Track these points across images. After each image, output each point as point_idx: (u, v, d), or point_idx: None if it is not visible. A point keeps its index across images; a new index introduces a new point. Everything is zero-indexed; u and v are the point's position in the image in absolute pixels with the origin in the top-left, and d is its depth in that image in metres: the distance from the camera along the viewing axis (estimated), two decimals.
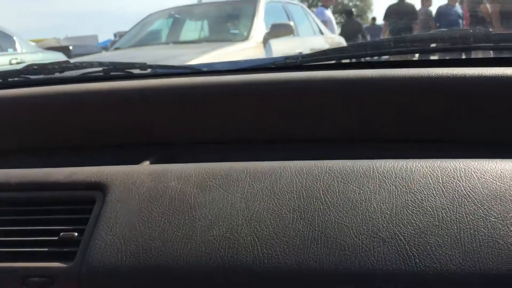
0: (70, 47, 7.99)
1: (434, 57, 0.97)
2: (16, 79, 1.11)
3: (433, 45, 0.94)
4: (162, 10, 4.98)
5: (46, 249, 0.61)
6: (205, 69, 1.07)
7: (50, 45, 8.91)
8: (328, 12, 6.69)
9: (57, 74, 1.10)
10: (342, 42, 5.71)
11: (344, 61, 0.99)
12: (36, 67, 1.13)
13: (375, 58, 0.98)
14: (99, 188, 0.66)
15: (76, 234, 0.62)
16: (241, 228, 0.57)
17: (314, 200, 0.58)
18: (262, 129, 0.86)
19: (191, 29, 4.89)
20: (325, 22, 6.31)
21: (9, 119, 0.93)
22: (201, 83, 0.88)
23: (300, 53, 4.45)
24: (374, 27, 9.05)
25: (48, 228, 0.64)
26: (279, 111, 0.84)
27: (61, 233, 0.62)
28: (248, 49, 3.84)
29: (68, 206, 0.66)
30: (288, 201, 0.58)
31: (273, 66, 1.04)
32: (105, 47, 9.62)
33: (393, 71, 0.79)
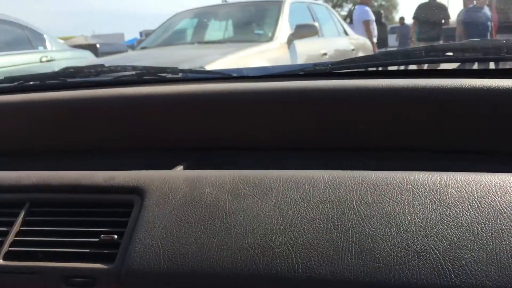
0: (97, 45, 8.15)
1: (466, 67, 0.96)
2: (53, 81, 1.14)
3: (465, 54, 0.93)
4: (187, 10, 5.03)
5: (87, 250, 0.64)
6: (234, 75, 1.09)
7: (78, 42, 9.09)
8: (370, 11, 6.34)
9: (92, 77, 1.14)
10: (367, 43, 5.67)
11: (373, 69, 0.99)
12: (72, 70, 1.16)
13: (405, 66, 0.98)
14: (137, 192, 0.68)
15: (115, 236, 0.64)
16: (275, 237, 0.58)
17: (348, 211, 0.59)
18: (290, 136, 0.87)
19: (216, 29, 4.92)
20: (368, 21, 6.08)
21: (46, 120, 0.96)
22: (231, 89, 0.89)
23: (325, 54, 4.44)
24: (403, 27, 8.93)
25: (89, 229, 0.66)
26: (308, 119, 0.85)
27: (102, 235, 0.65)
28: (272, 50, 3.85)
29: (107, 209, 0.69)
30: (322, 211, 0.60)
31: (302, 72, 1.06)
32: (131, 45, 9.76)
33: (425, 81, 0.80)
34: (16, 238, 0.67)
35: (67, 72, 1.16)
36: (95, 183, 0.71)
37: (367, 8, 6.32)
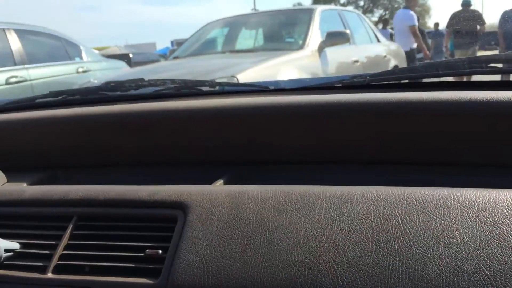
0: (130, 55, 8.35)
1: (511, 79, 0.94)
2: (96, 96, 1.18)
3: (510, 65, 0.91)
4: (218, 19, 5.09)
5: (133, 265, 0.65)
6: (272, 87, 1.10)
7: (112, 52, 9.34)
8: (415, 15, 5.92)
9: (132, 91, 1.17)
10: (399, 50, 5.59)
11: (413, 80, 0.98)
12: (113, 84, 1.20)
13: (446, 78, 0.96)
14: (180, 207, 0.69)
15: (160, 251, 0.65)
16: (320, 254, 0.58)
17: (393, 229, 0.58)
18: (331, 149, 0.86)
19: (247, 38, 4.96)
20: (415, 26, 5.77)
21: (89, 134, 0.99)
22: (269, 103, 0.90)
23: (356, 61, 4.41)
24: (436, 33, 8.81)
25: (134, 244, 0.67)
26: (348, 132, 0.84)
27: (147, 250, 0.66)
28: (303, 58, 3.85)
29: (151, 224, 0.70)
30: (366, 228, 0.59)
31: (340, 84, 1.05)
32: (163, 54, 9.96)
33: (468, 94, 0.78)
34: (64, 252, 0.69)
35: (108, 86, 1.19)
36: (139, 198, 0.72)
37: (412, 13, 5.86)
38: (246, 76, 3.20)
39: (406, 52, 5.83)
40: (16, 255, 0.68)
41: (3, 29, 4.41)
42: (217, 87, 1.15)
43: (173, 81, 1.16)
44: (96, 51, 6.89)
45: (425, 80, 0.97)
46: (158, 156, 0.96)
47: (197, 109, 0.94)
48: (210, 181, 0.84)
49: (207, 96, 1.14)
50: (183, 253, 0.63)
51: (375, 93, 0.87)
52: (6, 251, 0.66)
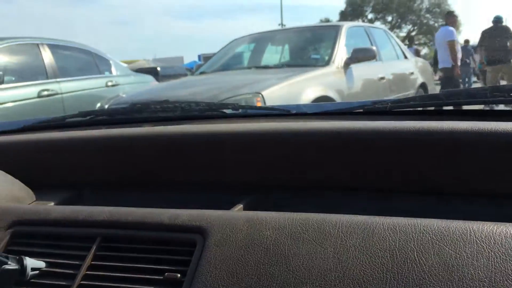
0: (158, 69, 8.52)
1: None
2: (122, 116, 1.22)
3: None
4: (244, 35, 5.16)
5: None
6: (293, 111, 1.12)
7: (140, 66, 9.56)
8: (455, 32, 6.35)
9: (158, 113, 1.20)
10: (427, 66, 5.54)
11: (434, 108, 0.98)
12: (140, 105, 1.24)
13: (469, 107, 0.96)
14: (199, 231, 0.71)
15: (179, 275, 0.67)
16: (334, 285, 0.59)
17: (408, 261, 0.58)
18: (349, 177, 0.87)
19: (273, 54, 5.01)
20: (454, 41, 6.08)
21: (114, 154, 1.02)
22: (289, 128, 0.91)
23: (382, 78, 4.39)
24: (466, 49, 8.74)
25: (154, 267, 0.70)
26: (367, 161, 0.85)
27: (166, 273, 0.68)
28: (329, 74, 3.87)
29: (171, 247, 0.72)
30: (382, 260, 0.60)
31: (361, 110, 1.06)
32: (190, 68, 10.14)
33: (491, 124, 0.78)
34: (87, 272, 0.71)
35: (135, 108, 1.23)
36: (161, 221, 0.74)
37: (451, 29, 6.33)
38: (272, 92, 3.23)
39: (447, 69, 6.07)
40: (42, 273, 0.71)
41: (37, 44, 4.59)
42: (240, 110, 1.18)
43: (197, 103, 1.19)
44: (125, 65, 7.06)
45: (446, 108, 0.97)
46: (181, 178, 0.99)
47: (220, 133, 0.96)
48: (230, 205, 0.86)
49: (230, 119, 1.16)
50: (201, 278, 0.65)
51: (396, 121, 0.87)
52: (33, 269, 0.69)
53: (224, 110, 1.18)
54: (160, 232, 0.74)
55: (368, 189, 0.86)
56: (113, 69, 5.58)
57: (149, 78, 6.16)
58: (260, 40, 4.97)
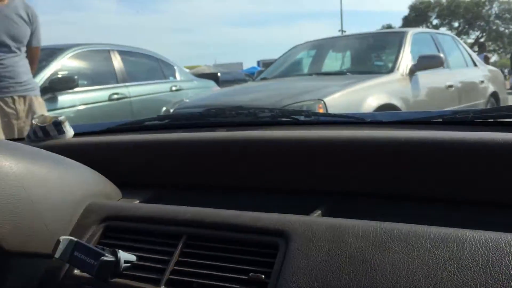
0: (219, 74, 8.68)
1: None
2: (198, 121, 1.27)
3: None
4: (305, 42, 5.16)
5: (237, 287, 0.69)
6: (368, 120, 1.11)
7: (202, 71, 9.80)
8: None
9: (231, 118, 1.24)
10: (498, 75, 5.27)
11: None
12: (215, 110, 1.28)
13: None
14: (282, 235, 0.72)
15: (263, 276, 0.69)
16: None
17: (503, 277, 0.57)
18: (430, 187, 0.85)
19: (334, 61, 4.97)
20: None
21: (193, 159, 1.06)
22: (366, 137, 0.90)
23: (451, 86, 4.23)
24: None
25: (238, 267, 0.72)
26: (450, 172, 0.83)
27: (250, 274, 0.70)
28: (393, 81, 3.78)
29: (254, 248, 0.74)
30: (474, 275, 0.58)
31: (441, 120, 1.04)
32: (249, 74, 10.27)
33: None
34: (174, 267, 0.75)
35: (210, 112, 1.27)
36: (243, 223, 0.77)
37: None
38: (334, 99, 3.21)
39: None
40: (133, 266, 0.76)
41: (108, 50, 4.84)
42: (313, 117, 1.19)
43: (271, 110, 1.21)
44: (187, 70, 7.27)
45: None
46: (257, 182, 1.01)
47: (295, 140, 0.97)
48: (307, 210, 0.87)
49: (302, 126, 1.17)
50: (285, 280, 0.66)
51: (481, 132, 0.84)
52: (125, 262, 0.74)
53: (297, 117, 1.20)
54: (242, 234, 0.76)
55: (447, 201, 0.84)
56: (177, 75, 5.77)
57: (211, 83, 6.31)
58: (321, 47, 4.95)
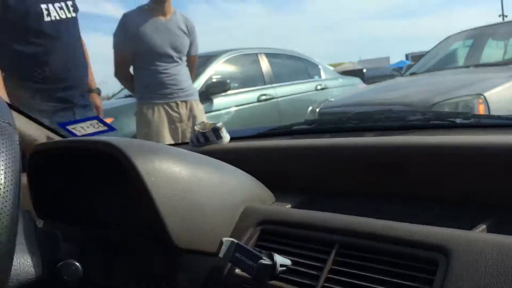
0: (364, 70, 8.50)
1: None
2: (345, 125, 1.27)
3: None
4: (460, 31, 4.75)
5: None
6: None
7: (346, 69, 9.71)
8: None
9: (380, 123, 1.21)
10: None
11: None
12: (363, 114, 1.27)
13: None
14: (442, 251, 0.68)
15: None
16: None
17: None
18: None
19: (494, 50, 4.48)
20: None
21: (343, 165, 1.06)
22: None
23: None
24: None
25: (392, 280, 0.70)
26: None
27: None
28: None
29: (410, 263, 0.71)
30: None
31: None
32: (397, 68, 9.81)
33: None
34: (328, 275, 0.76)
35: (357, 116, 1.26)
36: (399, 235, 0.74)
37: None
38: (497, 94, 2.90)
39: None
40: (288, 270, 0.80)
41: (256, 54, 5.09)
42: (472, 120, 1.10)
43: (423, 113, 1.16)
44: (331, 68, 7.26)
45: None
46: (409, 190, 0.97)
47: (452, 145, 0.91)
48: (468, 225, 0.81)
49: (460, 130, 1.09)
50: None
51: None
52: (281, 265, 0.78)
53: (454, 120, 1.12)
54: (398, 246, 0.73)
55: None
56: (322, 73, 5.81)
57: (357, 80, 6.21)
58: (479, 36, 4.49)
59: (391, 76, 6.50)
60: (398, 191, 0.98)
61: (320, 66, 5.91)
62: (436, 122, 1.15)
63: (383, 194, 1.01)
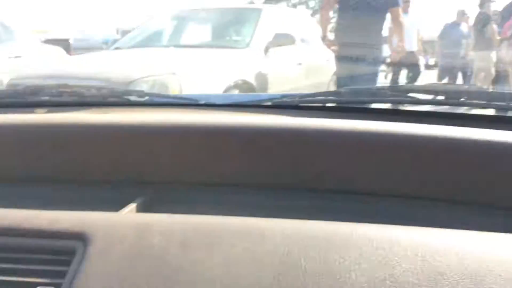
0: (70, 41, 7.96)
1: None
2: (14, 100, 1.11)
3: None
4: (166, 12, 4.98)
5: None
6: (202, 102, 1.08)
7: (53, 37, 8.87)
8: None
9: (55, 98, 1.10)
10: None
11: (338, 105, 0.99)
12: (33, 88, 1.13)
13: (371, 105, 0.98)
14: (80, 238, 0.63)
15: None
16: None
17: (295, 268, 0.57)
18: (253, 172, 0.85)
19: (194, 34, 4.88)
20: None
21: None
22: (195, 122, 0.87)
23: (300, 64, 4.45)
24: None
25: (23, 280, 0.61)
26: (271, 156, 0.83)
27: (37, 287, 0.60)
28: (248, 56, 3.85)
29: (47, 256, 0.63)
30: (269, 267, 0.57)
31: (270, 103, 1.05)
32: (107, 42, 9.57)
33: (392, 125, 0.79)
34: None
35: (27, 91, 1.12)
36: (38, 226, 0.65)
37: None
38: (189, 74, 3.16)
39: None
40: None
41: None
42: (146, 97, 1.12)
43: (99, 88, 1.11)
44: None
45: (350, 105, 0.99)
46: (72, 173, 0.90)
47: (121, 124, 0.89)
48: (124, 203, 0.80)
49: (134, 107, 1.10)
50: None
51: (300, 116, 0.86)
52: None
53: (128, 97, 1.11)
54: (37, 239, 0.64)
55: (268, 185, 0.85)
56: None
57: (58, 49, 5.73)
58: (183, 18, 4.83)
59: (99, 49, 6.31)
60: (58, 174, 0.90)
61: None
62: (111, 99, 1.11)
63: (38, 178, 0.90)
